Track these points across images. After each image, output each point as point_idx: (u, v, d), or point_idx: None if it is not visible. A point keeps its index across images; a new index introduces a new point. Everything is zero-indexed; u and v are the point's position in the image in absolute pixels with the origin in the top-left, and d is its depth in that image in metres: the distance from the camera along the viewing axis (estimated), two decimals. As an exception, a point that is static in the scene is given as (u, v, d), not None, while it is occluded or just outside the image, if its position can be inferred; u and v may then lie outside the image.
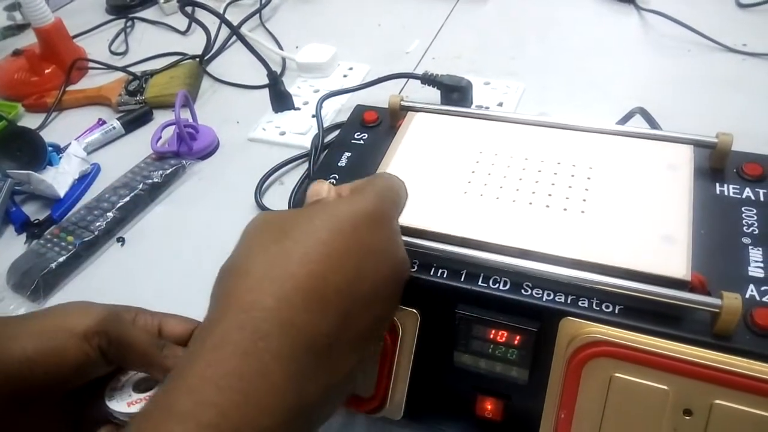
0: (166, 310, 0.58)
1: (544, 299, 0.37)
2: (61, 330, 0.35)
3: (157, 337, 0.38)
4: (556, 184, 0.42)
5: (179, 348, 0.37)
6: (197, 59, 0.90)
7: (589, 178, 0.42)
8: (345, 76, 0.84)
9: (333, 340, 0.29)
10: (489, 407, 0.43)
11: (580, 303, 0.36)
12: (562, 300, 0.37)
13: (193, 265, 0.62)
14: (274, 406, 0.26)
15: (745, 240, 0.39)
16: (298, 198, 0.64)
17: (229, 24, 0.78)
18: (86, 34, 1.04)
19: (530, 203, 0.41)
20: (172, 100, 0.74)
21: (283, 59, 0.88)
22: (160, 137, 0.74)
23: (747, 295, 0.36)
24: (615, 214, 0.40)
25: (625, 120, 0.62)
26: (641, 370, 0.33)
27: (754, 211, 0.40)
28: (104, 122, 0.82)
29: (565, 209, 0.40)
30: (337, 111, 0.77)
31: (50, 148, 0.75)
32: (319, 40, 0.87)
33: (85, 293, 0.61)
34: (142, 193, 0.69)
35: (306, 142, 0.72)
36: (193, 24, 0.98)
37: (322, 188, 0.35)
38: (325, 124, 0.73)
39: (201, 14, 0.85)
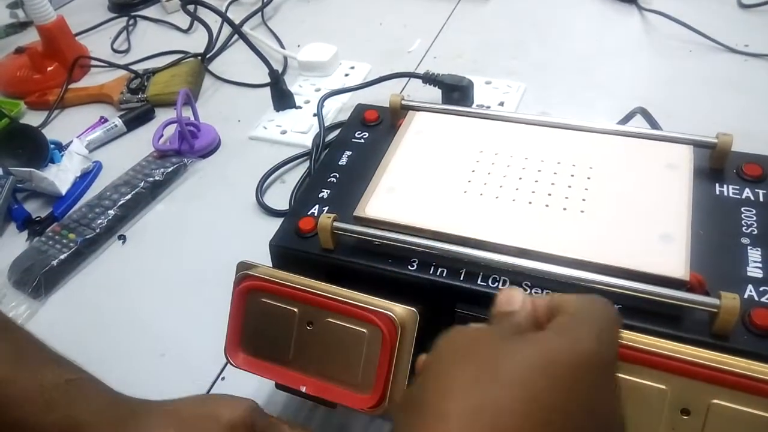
0: (167, 307, 0.58)
1: (542, 298, 0.37)
2: (210, 418, 0.37)
3: None
4: (555, 184, 0.42)
5: None
6: (199, 57, 0.90)
7: (588, 178, 0.42)
8: (346, 75, 0.84)
9: None
10: (488, 406, 0.43)
11: (578, 302, 0.36)
12: (561, 299, 0.37)
13: (194, 262, 0.62)
14: None
15: (744, 240, 0.39)
16: (298, 197, 0.64)
17: (230, 22, 0.78)
18: (88, 32, 1.05)
19: (530, 203, 0.41)
20: (174, 98, 0.74)
21: (285, 58, 0.88)
22: (162, 135, 0.74)
23: (745, 296, 0.36)
24: (614, 214, 0.40)
25: (625, 120, 0.62)
26: (639, 370, 0.33)
27: (754, 212, 0.40)
28: (106, 120, 0.82)
29: (564, 209, 0.40)
30: (338, 110, 0.77)
31: (52, 146, 0.76)
32: (320, 39, 0.87)
33: (86, 291, 0.62)
34: (144, 191, 0.69)
35: (307, 141, 0.72)
36: (195, 22, 0.98)
37: (515, 299, 0.29)
38: (327, 123, 0.73)
39: (203, 12, 0.85)
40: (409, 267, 0.40)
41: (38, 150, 0.74)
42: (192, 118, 0.76)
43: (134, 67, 0.90)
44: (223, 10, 0.93)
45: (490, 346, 0.26)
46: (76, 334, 0.57)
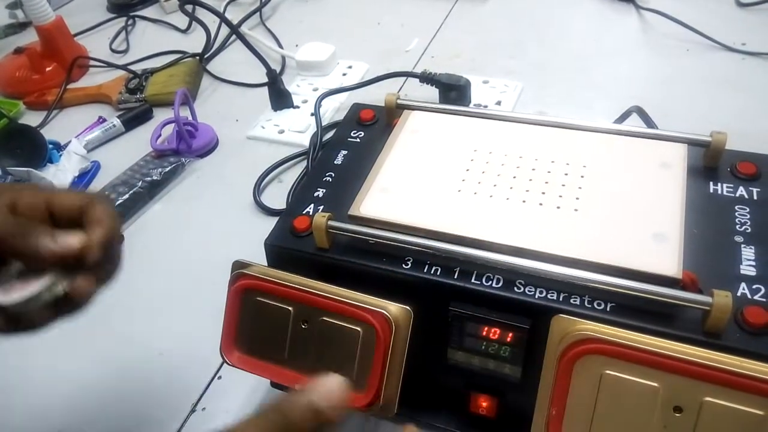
0: (166, 306, 0.59)
1: (536, 297, 0.37)
2: None
3: (26, 223, 0.35)
4: (549, 183, 0.42)
5: (66, 234, 0.35)
6: (197, 57, 0.90)
7: (582, 177, 0.43)
8: (344, 74, 0.84)
9: None
10: (482, 404, 0.43)
11: (572, 300, 0.37)
12: (554, 297, 0.37)
13: (192, 262, 0.62)
14: None
15: (738, 238, 0.39)
16: (294, 196, 0.64)
17: (228, 23, 0.78)
18: (87, 33, 1.05)
19: (523, 201, 0.41)
20: (172, 98, 0.74)
21: (283, 58, 0.89)
22: (160, 135, 0.75)
23: (738, 293, 0.36)
24: (607, 213, 0.40)
25: (622, 119, 0.62)
26: (632, 368, 0.33)
27: (747, 210, 0.41)
28: (104, 120, 0.82)
29: (558, 207, 0.41)
30: (335, 109, 0.77)
31: (50, 146, 0.76)
32: (318, 38, 0.87)
33: (84, 290, 0.62)
34: (142, 191, 0.69)
35: (305, 141, 0.73)
36: (194, 22, 0.98)
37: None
38: (324, 123, 0.73)
39: (201, 13, 0.85)
40: (404, 266, 0.40)
41: (36, 150, 0.75)
42: (190, 118, 0.76)
43: (133, 67, 0.90)
44: (221, 10, 0.94)
45: None
46: (75, 334, 0.57)
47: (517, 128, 0.48)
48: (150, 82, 0.86)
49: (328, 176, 0.48)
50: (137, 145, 0.77)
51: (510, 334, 0.38)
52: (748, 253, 0.38)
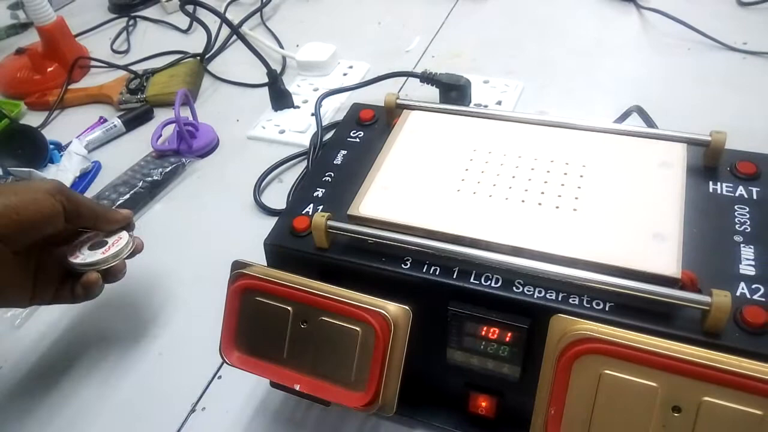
0: (166, 306, 0.59)
1: (535, 296, 0.37)
2: (34, 189, 0.47)
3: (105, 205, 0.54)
4: (548, 182, 0.42)
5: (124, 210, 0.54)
6: (198, 58, 0.90)
7: (581, 176, 0.42)
8: (345, 74, 0.84)
9: None
10: (481, 404, 0.43)
11: (570, 300, 0.37)
12: (553, 297, 0.37)
13: (192, 262, 0.62)
14: None
15: (737, 238, 0.39)
16: (295, 195, 0.64)
17: (229, 23, 0.78)
18: (88, 33, 1.05)
19: (522, 201, 0.41)
20: (173, 98, 0.74)
21: (284, 58, 0.89)
22: (161, 135, 0.75)
23: (738, 293, 0.36)
24: (606, 212, 0.40)
25: (622, 118, 0.62)
26: (631, 367, 0.33)
27: (747, 210, 0.40)
28: (105, 120, 0.82)
29: (557, 207, 0.41)
30: (336, 109, 0.77)
31: (52, 146, 0.76)
32: (319, 38, 0.87)
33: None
34: (142, 191, 0.69)
35: (305, 141, 0.73)
36: (194, 23, 0.98)
37: None
38: (324, 123, 0.73)
39: (202, 13, 0.85)
40: (403, 265, 0.40)
41: (38, 150, 0.75)
42: (190, 118, 0.76)
43: (133, 68, 0.90)
44: (222, 10, 0.94)
45: None
46: (75, 333, 0.58)
47: (517, 128, 0.48)
48: (151, 82, 0.86)
49: (327, 176, 0.48)
50: (138, 145, 0.77)
51: (509, 334, 0.38)
52: (747, 252, 0.38)
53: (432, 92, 0.73)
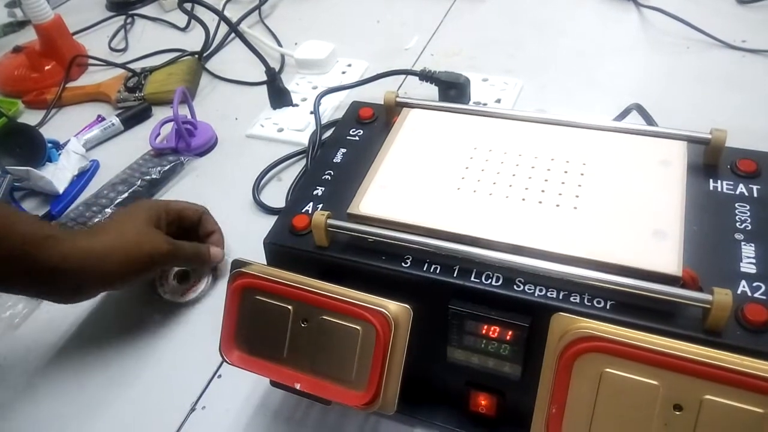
0: (165, 304, 0.58)
1: (536, 295, 0.37)
2: (135, 208, 0.55)
3: (200, 245, 0.57)
4: (549, 180, 0.42)
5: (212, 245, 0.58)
6: (196, 56, 0.90)
7: (582, 174, 0.42)
8: (343, 72, 0.84)
9: None
10: (482, 402, 0.43)
11: (571, 298, 0.36)
12: (554, 295, 0.37)
13: (191, 261, 0.62)
14: None
15: (738, 236, 0.39)
16: (295, 194, 0.64)
17: (227, 21, 0.78)
18: (86, 31, 1.05)
19: (523, 199, 0.41)
20: (171, 96, 0.74)
21: (282, 56, 0.88)
22: (159, 134, 0.74)
23: (738, 291, 0.36)
24: (607, 210, 0.40)
25: (621, 116, 0.62)
26: (632, 366, 0.33)
27: (747, 207, 0.40)
28: (103, 119, 0.82)
29: (557, 205, 0.40)
30: (335, 107, 0.77)
31: (49, 145, 0.76)
32: (317, 36, 0.87)
33: (83, 289, 0.61)
34: (141, 190, 0.69)
35: (304, 139, 0.73)
36: (192, 21, 0.98)
37: None
38: (323, 121, 0.73)
39: (200, 11, 0.85)
40: (403, 264, 0.40)
41: (36, 149, 0.75)
42: (189, 117, 0.76)
43: (131, 66, 0.90)
44: (220, 8, 0.93)
45: None
46: (74, 332, 0.57)
47: (517, 126, 0.48)
48: (149, 80, 0.86)
49: (327, 174, 0.48)
50: (136, 143, 0.77)
51: (510, 332, 0.38)
52: (748, 250, 0.38)
53: (431, 90, 0.72)
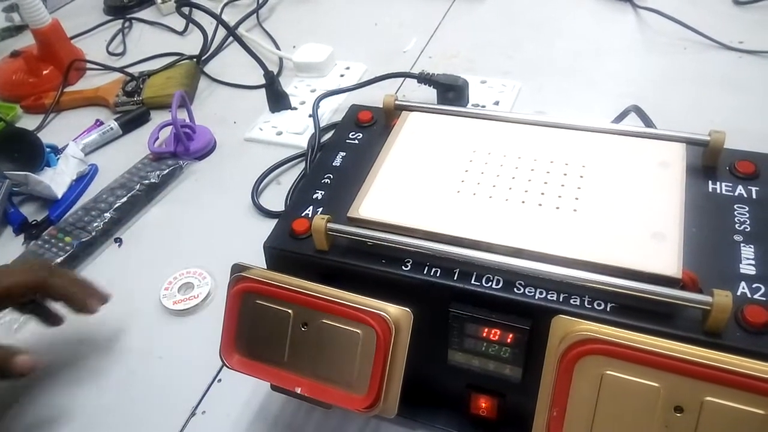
0: (164, 309, 0.58)
1: (536, 297, 0.37)
2: None
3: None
4: (548, 183, 0.42)
5: None
6: (194, 60, 0.90)
7: (581, 177, 0.42)
8: (342, 75, 0.84)
9: None
10: (483, 405, 0.43)
11: (572, 301, 0.37)
12: (554, 298, 0.37)
13: (191, 265, 0.62)
14: None
15: (737, 237, 0.39)
16: (294, 197, 0.64)
17: (225, 24, 0.78)
18: (84, 35, 1.05)
19: (523, 202, 0.41)
20: (170, 100, 0.74)
21: (280, 59, 0.88)
22: (157, 138, 0.74)
23: (738, 293, 0.36)
24: (606, 213, 0.40)
25: (620, 118, 0.62)
26: (632, 368, 0.33)
27: (747, 209, 0.40)
28: (102, 123, 0.82)
29: (557, 208, 0.41)
30: (333, 110, 0.77)
31: (48, 149, 0.76)
32: (316, 39, 0.87)
33: (83, 294, 0.61)
34: (140, 194, 0.69)
35: (303, 142, 0.73)
36: (190, 24, 0.98)
37: None
38: (322, 124, 0.73)
39: (198, 15, 0.85)
40: (403, 267, 0.40)
41: (34, 153, 0.74)
42: (187, 120, 0.76)
43: (130, 70, 0.90)
44: (218, 12, 0.94)
45: None
46: (73, 336, 0.57)
47: (516, 128, 0.48)
48: (147, 84, 0.86)
49: (326, 178, 0.48)
50: (135, 147, 0.77)
51: (510, 335, 0.38)
52: (747, 252, 0.38)
53: (429, 93, 0.72)
